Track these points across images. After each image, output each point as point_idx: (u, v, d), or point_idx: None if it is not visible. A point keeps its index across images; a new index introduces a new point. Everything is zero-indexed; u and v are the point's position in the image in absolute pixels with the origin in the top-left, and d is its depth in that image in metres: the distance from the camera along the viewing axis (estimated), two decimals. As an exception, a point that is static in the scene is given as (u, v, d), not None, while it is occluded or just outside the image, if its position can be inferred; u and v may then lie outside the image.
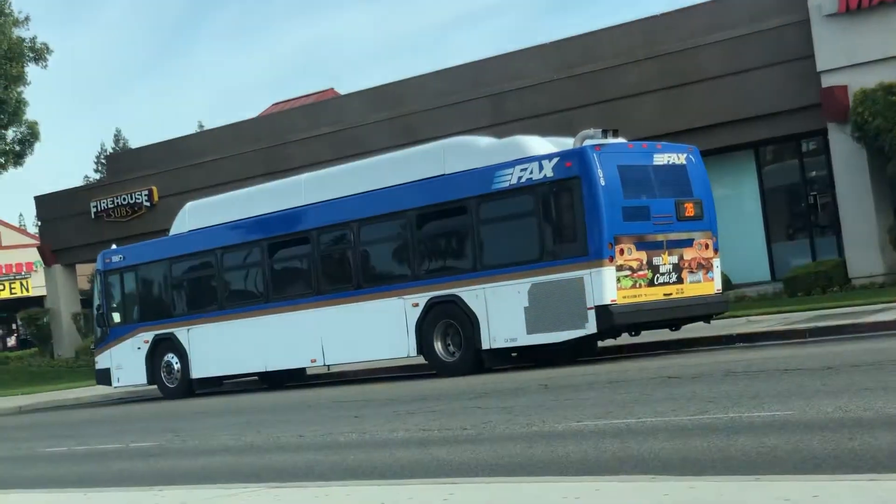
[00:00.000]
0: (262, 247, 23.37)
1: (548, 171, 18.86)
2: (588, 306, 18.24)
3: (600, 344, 20.74)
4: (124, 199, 40.36)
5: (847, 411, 9.66)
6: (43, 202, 44.05)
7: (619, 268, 18.30)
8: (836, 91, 26.49)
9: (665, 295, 18.86)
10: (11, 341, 62.75)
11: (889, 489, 6.14)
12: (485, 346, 19.57)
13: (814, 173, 29.41)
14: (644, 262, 18.63)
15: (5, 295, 62.18)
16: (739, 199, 29.56)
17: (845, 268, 26.97)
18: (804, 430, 9.05)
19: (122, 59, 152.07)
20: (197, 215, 25.10)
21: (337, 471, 10.32)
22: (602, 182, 18.33)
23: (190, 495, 9.07)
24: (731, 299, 23.92)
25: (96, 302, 26.77)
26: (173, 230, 25.82)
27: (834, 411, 9.75)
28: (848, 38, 26.39)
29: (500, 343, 19.49)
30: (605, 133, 19.35)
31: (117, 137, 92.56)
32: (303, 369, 25.13)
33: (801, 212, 29.73)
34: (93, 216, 41.28)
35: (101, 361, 26.62)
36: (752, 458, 8.23)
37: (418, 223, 20.82)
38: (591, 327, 18.28)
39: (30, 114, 44.31)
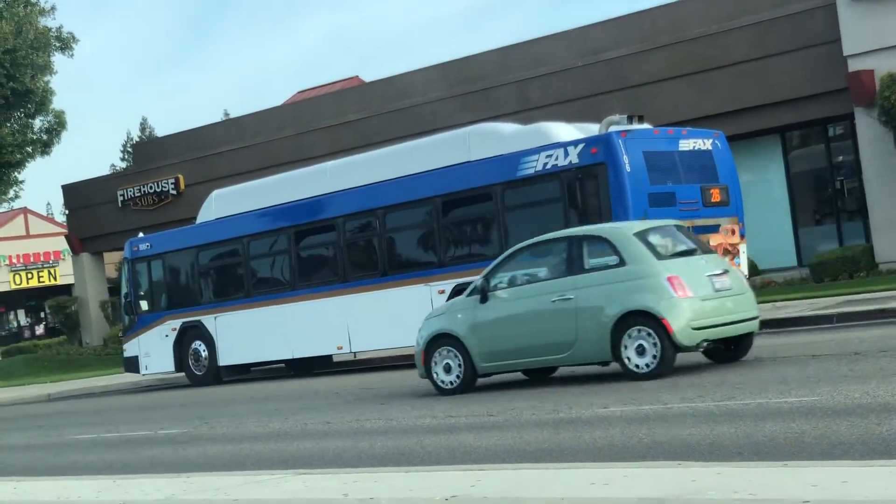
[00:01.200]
0: (288, 234, 23.42)
1: (573, 157, 18.82)
2: (614, 292, 18.16)
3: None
4: (151, 188, 40.50)
5: (875, 397, 9.62)
6: (70, 191, 44.26)
7: (645, 254, 18.21)
8: (862, 75, 26.29)
9: (691, 281, 18.77)
10: (40, 329, 63.16)
11: (918, 475, 6.11)
12: (511, 332, 19.54)
13: (840, 158, 29.23)
14: (670, 248, 18.54)
15: (34, 283, 62.58)
16: (766, 185, 29.41)
17: (872, 253, 26.80)
18: (832, 415, 9.02)
19: (147, 47, 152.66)
20: (223, 203, 25.17)
21: (364, 458, 10.36)
22: (628, 168, 18.27)
23: (219, 482, 9.12)
24: (758, 285, 23.81)
25: (124, 290, 26.89)
26: (200, 218, 25.89)
27: (862, 397, 9.71)
28: (875, 21, 26.19)
29: (525, 329, 19.44)
30: (630, 119, 19.28)
31: (143, 126, 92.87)
32: (329, 356, 25.18)
33: (827, 197, 29.55)
34: (120, 205, 41.45)
35: (130, 349, 26.75)
36: (779, 444, 8.21)
37: (444, 210, 20.82)
38: (618, 313, 18.20)
39: (56, 103, 44.46)
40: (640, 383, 13.02)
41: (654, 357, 13.22)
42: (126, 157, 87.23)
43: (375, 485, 7.99)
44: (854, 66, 26.58)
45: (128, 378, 29.13)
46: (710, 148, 19.68)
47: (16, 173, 44.78)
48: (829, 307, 19.92)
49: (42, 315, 62.96)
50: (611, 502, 6.23)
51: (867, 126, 26.55)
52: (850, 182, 28.84)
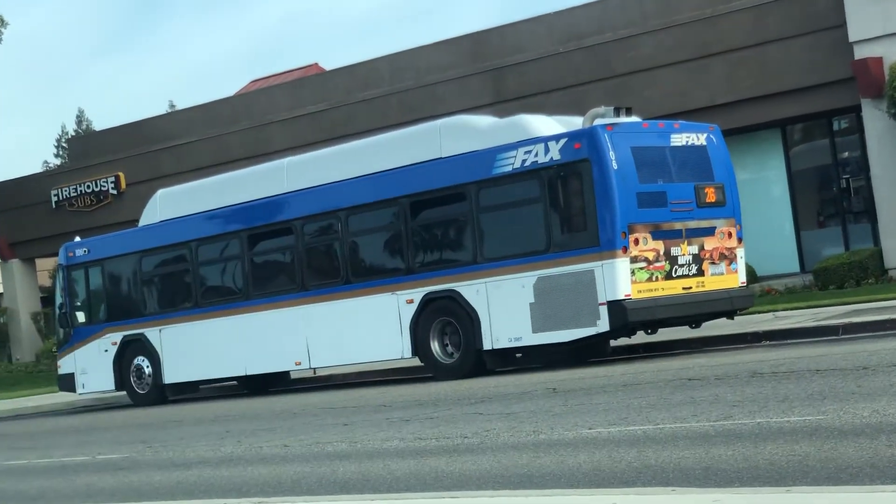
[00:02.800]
0: (240, 238, 23.37)
1: (555, 153, 18.86)
2: (600, 302, 18.25)
3: (613, 343, 20.75)
4: (88, 187, 40.33)
5: (885, 416, 9.68)
6: (-1, 190, 44.01)
7: (634, 259, 18.31)
8: (870, 63, 26.49)
9: (684, 289, 18.87)
10: (-35, 344, 62.69)
11: (933, 501, 6.15)
12: (486, 346, 19.58)
13: (846, 154, 29.43)
14: (661, 253, 18.64)
15: (-42, 293, 62.16)
16: (765, 183, 29.59)
17: (881, 258, 27.00)
18: (838, 436, 9.07)
19: (84, 32, 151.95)
20: (169, 204, 25.09)
21: (326, 484, 10.34)
22: (614, 165, 18.33)
23: (164, 512, 9.07)
24: (757, 293, 23.95)
25: (58, 300, 26.75)
26: (143, 220, 25.80)
27: (871, 416, 9.76)
28: (883, 4, 26.39)
29: (502, 343, 19.50)
30: (617, 111, 19.34)
31: (80, 119, 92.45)
32: (286, 373, 25.13)
33: (832, 197, 29.75)
34: (54, 205, 41.27)
35: (65, 366, 26.61)
36: (781, 468, 8.25)
37: (413, 211, 20.82)
38: (604, 325, 18.28)
39: (-17, 93, 44.20)
40: (628, 401, 13.06)
41: None
42: (61, 152, 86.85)
43: (338, 515, 7.97)
44: (861, 53, 26.77)
45: (62, 398, 28.96)
46: (704, 143, 19.77)
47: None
48: (834, 317, 20.03)
49: (-33, 328, 62.44)
50: (597, 533, 6.24)
51: (875, 119, 26.75)
52: (857, 180, 29.05)
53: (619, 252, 18.19)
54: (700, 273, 19.08)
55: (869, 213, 28.32)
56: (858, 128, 28.14)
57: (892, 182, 26.81)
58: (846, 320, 19.11)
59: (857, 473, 7.74)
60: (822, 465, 8.14)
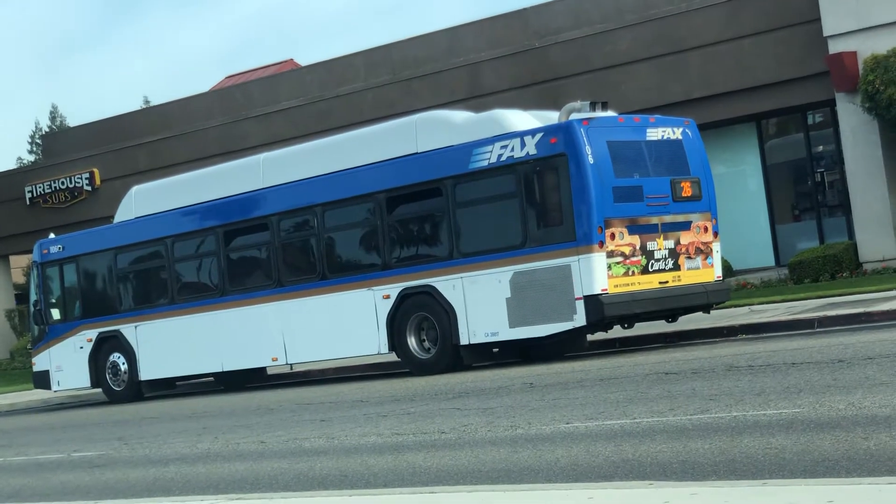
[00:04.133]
0: (216, 235, 23.31)
1: (530, 148, 18.87)
2: (576, 296, 18.27)
3: (590, 338, 20.78)
4: (62, 183, 40.15)
5: (861, 408, 9.72)
6: (-28, 187, 43.78)
7: (610, 254, 18.34)
8: (844, 57, 26.59)
9: (661, 283, 18.92)
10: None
11: (909, 493, 6.18)
12: (463, 341, 19.59)
13: (821, 148, 29.54)
14: (637, 248, 18.67)
15: (-69, 290, 61.79)
16: (741, 177, 29.68)
17: (856, 251, 27.12)
18: (814, 429, 9.11)
19: (57, 27, 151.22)
20: (144, 200, 25.00)
21: (303, 480, 10.32)
22: (590, 160, 18.35)
23: (141, 509, 9.05)
24: (733, 287, 24.02)
25: (33, 297, 26.63)
26: (118, 217, 25.70)
27: (846, 409, 9.81)
28: (858, -1, 26.48)
29: (479, 338, 19.51)
30: (593, 106, 19.35)
31: (53, 115, 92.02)
32: (263, 369, 25.09)
33: (807, 190, 29.87)
34: (28, 202, 41.07)
35: (39, 363, 26.49)
36: (758, 461, 8.28)
37: (388, 207, 20.80)
38: (580, 319, 18.31)
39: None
40: (605, 395, 13.08)
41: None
42: (34, 149, 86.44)
43: (316, 511, 7.96)
44: (835, 47, 26.87)
45: (38, 395, 28.84)
46: (680, 137, 19.81)
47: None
48: (809, 311, 20.12)
49: (-59, 325, 62.12)
50: (575, 527, 6.24)
51: (849, 113, 26.86)
52: (832, 174, 29.17)
53: (596, 247, 18.21)
54: (676, 267, 19.12)
55: (843, 206, 28.45)
56: (833, 122, 28.25)
57: (867, 176, 26.93)
58: (821, 314, 19.20)
59: (833, 466, 7.77)
60: (799, 458, 8.17)
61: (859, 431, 8.73)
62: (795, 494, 6.39)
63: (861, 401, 10.04)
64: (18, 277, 47.38)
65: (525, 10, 33.64)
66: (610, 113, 19.64)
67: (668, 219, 19.19)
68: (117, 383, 25.18)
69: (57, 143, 46.80)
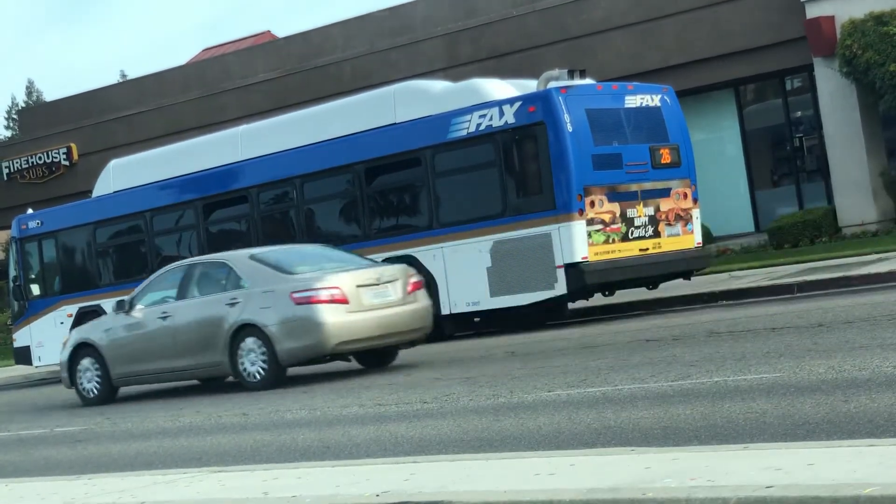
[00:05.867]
0: (195, 208, 23.23)
1: (509, 116, 18.84)
2: (557, 265, 18.28)
3: (571, 306, 20.80)
4: (40, 159, 39.92)
5: (841, 371, 9.76)
6: (-51, 164, 43.49)
7: (590, 221, 18.34)
8: (822, 22, 26.56)
9: (641, 250, 18.94)
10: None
11: (888, 454, 6.21)
12: (444, 311, 19.59)
13: (799, 113, 29.55)
14: (617, 215, 18.68)
15: None
16: (719, 144, 29.67)
17: (835, 216, 27.17)
18: (795, 393, 9.14)
19: (33, 1, 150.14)
20: (122, 174, 24.90)
21: (286, 452, 10.33)
22: (569, 128, 18.33)
23: (124, 483, 9.04)
24: (713, 253, 24.05)
25: (12, 273, 26.52)
26: (96, 191, 25.60)
27: (826, 372, 9.85)
28: (834, -37, 26.45)
29: (461, 307, 19.52)
30: (571, 74, 19.32)
31: (30, 90, 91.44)
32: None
33: (786, 156, 29.88)
34: (5, 178, 40.81)
35: (20, 339, 26.42)
36: (739, 426, 8.31)
37: (367, 178, 20.75)
38: (561, 288, 18.33)
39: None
40: (587, 363, 13.10)
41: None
42: (11, 124, 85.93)
43: (298, 482, 7.96)
44: (812, 12, 26.84)
45: (18, 370, 28.77)
46: (658, 104, 19.80)
47: None
48: (789, 276, 20.17)
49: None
50: (558, 494, 6.25)
51: (827, 78, 26.85)
52: (810, 139, 29.18)
53: (576, 215, 18.22)
54: (656, 234, 19.14)
55: (822, 171, 28.47)
56: (811, 87, 28.23)
57: (845, 140, 26.94)
58: (801, 279, 19.25)
59: (813, 429, 7.80)
60: (780, 422, 8.20)
61: (839, 394, 8.77)
62: (776, 458, 6.42)
63: (841, 364, 10.09)
64: (-3, 253, 47.15)
65: (502, -22, 33.48)
66: (588, 81, 19.62)
67: (648, 186, 19.20)
68: (99, 358, 25.08)
69: (34, 118, 46.51)
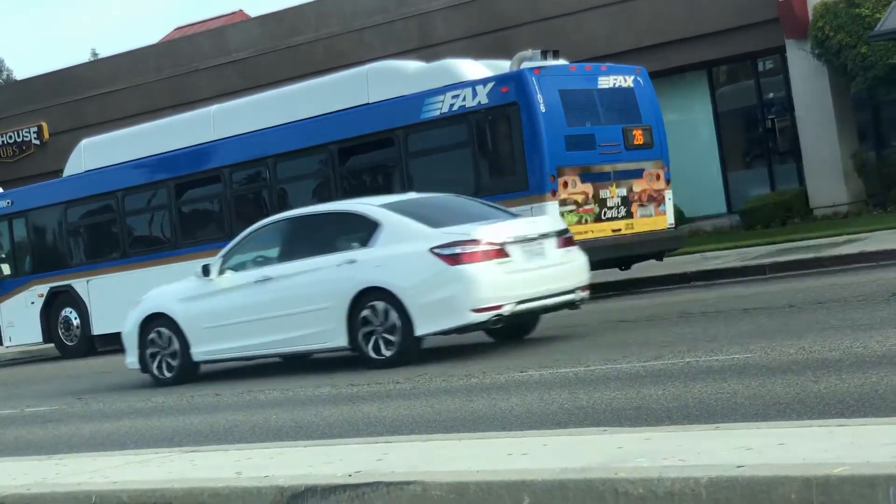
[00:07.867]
0: (168, 187, 23.14)
1: (482, 97, 18.82)
2: (529, 245, 18.28)
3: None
4: (10, 137, 39.66)
5: (811, 352, 9.82)
6: (-82, 142, 43.16)
7: (563, 202, 18.36)
8: (794, 4, 26.62)
9: (613, 231, 18.98)
10: None
11: (858, 434, 6.25)
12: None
13: (771, 95, 29.64)
14: (590, 196, 18.71)
15: None
16: (692, 125, 29.73)
17: (807, 197, 27.29)
18: (766, 373, 9.19)
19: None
20: (94, 154, 24.76)
21: (259, 432, 10.32)
22: (542, 108, 18.33)
23: (95, 463, 9.01)
24: (685, 234, 24.12)
25: (-17, 253, 26.38)
26: (67, 171, 25.46)
27: (797, 353, 9.90)
28: (807, -55, 26.51)
29: (433, 288, 19.49)
30: (544, 54, 19.32)
31: None
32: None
33: (758, 137, 29.98)
34: (-25, 157, 40.54)
35: (-9, 318, 26.29)
36: (710, 406, 8.35)
37: (341, 157, 20.71)
38: (534, 268, 18.32)
39: None
40: (558, 344, 13.12)
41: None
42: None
43: (271, 461, 7.96)
44: (785, -6, 26.88)
45: (-10, 351, 28.63)
46: (631, 85, 19.82)
47: None
48: (760, 257, 20.26)
49: None
50: (530, 474, 6.27)
51: (799, 60, 26.93)
52: (782, 121, 29.27)
53: (549, 195, 18.23)
54: (629, 215, 19.18)
55: (794, 153, 28.56)
56: (783, 68, 28.32)
57: (817, 122, 27.04)
58: (772, 259, 19.34)
59: (784, 409, 7.85)
60: (751, 402, 8.24)
61: (809, 375, 8.82)
62: (747, 437, 6.45)
63: (811, 345, 10.14)
64: (-32, 233, 46.86)
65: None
66: (561, 61, 19.61)
67: (621, 167, 19.22)
68: (70, 338, 25.02)
69: (4, 96, 46.17)
